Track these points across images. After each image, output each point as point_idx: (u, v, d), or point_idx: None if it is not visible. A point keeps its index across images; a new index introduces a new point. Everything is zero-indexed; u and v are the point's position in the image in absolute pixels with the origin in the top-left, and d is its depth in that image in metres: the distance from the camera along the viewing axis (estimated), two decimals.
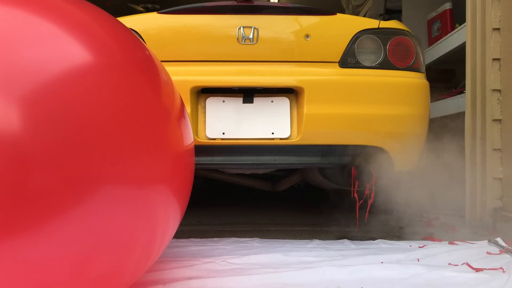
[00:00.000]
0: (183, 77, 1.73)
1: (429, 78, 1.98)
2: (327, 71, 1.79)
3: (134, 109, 0.85)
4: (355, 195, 1.94)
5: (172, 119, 1.00)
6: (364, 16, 4.74)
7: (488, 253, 1.48)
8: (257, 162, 1.74)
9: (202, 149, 1.71)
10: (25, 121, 0.67)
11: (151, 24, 1.80)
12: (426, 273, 1.25)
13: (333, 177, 2.12)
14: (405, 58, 1.85)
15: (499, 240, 1.61)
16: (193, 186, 3.09)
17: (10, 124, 0.66)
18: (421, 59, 1.91)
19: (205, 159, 1.73)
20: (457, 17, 2.80)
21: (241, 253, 1.51)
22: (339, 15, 1.87)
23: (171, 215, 1.02)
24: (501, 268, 1.29)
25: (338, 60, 1.81)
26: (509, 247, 1.51)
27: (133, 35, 1.01)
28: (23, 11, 0.77)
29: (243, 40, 1.77)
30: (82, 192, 0.73)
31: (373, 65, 1.82)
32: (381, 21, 1.88)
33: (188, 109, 1.69)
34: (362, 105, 1.75)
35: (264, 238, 1.79)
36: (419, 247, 1.58)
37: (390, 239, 1.75)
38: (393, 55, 1.83)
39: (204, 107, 1.74)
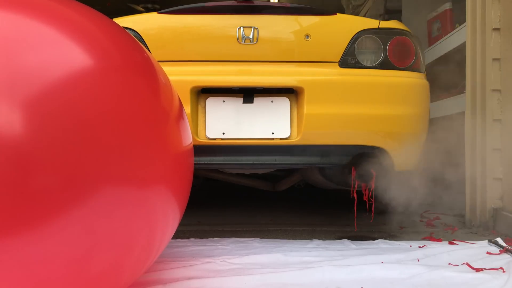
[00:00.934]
0: (183, 77, 1.73)
1: (429, 78, 1.98)
2: (327, 71, 1.79)
3: (134, 110, 0.86)
4: (355, 195, 1.94)
5: (171, 120, 1.01)
6: (364, 16, 4.74)
7: (488, 253, 1.48)
8: (257, 162, 1.73)
9: (202, 149, 1.71)
10: (27, 123, 0.69)
11: (151, 24, 1.80)
12: (426, 273, 1.25)
13: (333, 177, 2.12)
14: (405, 58, 1.85)
15: (499, 240, 1.61)
16: (193, 186, 3.10)
17: (13, 126, 0.68)
18: (421, 59, 1.91)
19: (205, 159, 1.73)
20: (457, 17, 2.80)
21: (241, 253, 1.51)
22: (339, 15, 1.87)
23: (170, 215, 1.02)
24: (501, 268, 1.29)
25: (338, 60, 1.81)
26: (509, 247, 1.51)
27: (132, 38, 1.02)
28: (24, 16, 0.79)
29: (243, 40, 1.77)
30: (82, 192, 0.74)
31: (373, 65, 1.82)
32: (381, 21, 1.88)
33: (188, 109, 1.69)
34: (362, 105, 1.74)
35: (264, 238, 1.79)
36: (419, 247, 1.58)
37: (390, 239, 1.75)
38: (393, 55, 1.83)
39: (204, 107, 1.74)
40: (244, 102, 1.75)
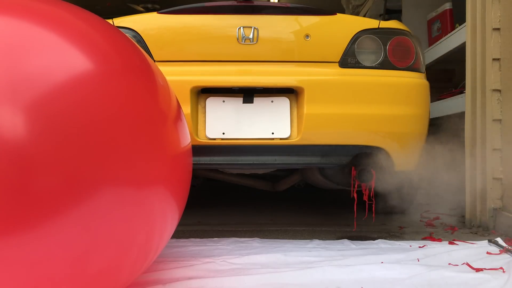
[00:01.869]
0: (183, 77, 1.73)
1: (429, 78, 1.98)
2: (327, 71, 1.79)
3: (132, 113, 0.88)
4: (355, 195, 1.94)
5: (169, 121, 1.02)
6: (364, 16, 4.74)
7: (488, 253, 1.48)
8: (257, 162, 1.74)
9: (202, 149, 1.71)
10: (29, 126, 0.71)
11: (151, 24, 1.80)
12: (426, 273, 1.25)
13: (333, 177, 2.12)
14: (405, 58, 1.85)
15: (499, 240, 1.61)
16: (193, 186, 3.09)
17: (16, 129, 0.70)
18: (421, 59, 1.91)
19: (205, 159, 1.73)
20: (457, 17, 2.80)
21: (241, 253, 1.51)
22: (339, 15, 1.87)
23: (169, 215, 1.03)
24: (501, 268, 1.29)
25: (338, 60, 1.81)
26: (509, 247, 1.51)
27: (130, 41, 1.04)
28: (26, 21, 0.81)
29: (243, 40, 1.77)
30: (82, 192, 0.76)
31: (373, 65, 1.82)
32: (381, 21, 1.88)
33: (188, 109, 1.69)
34: (362, 105, 1.75)
35: (264, 238, 1.79)
36: (419, 247, 1.58)
37: (390, 239, 1.75)
38: (393, 55, 1.83)
39: (204, 107, 1.74)
40: (244, 102, 1.75)
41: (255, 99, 1.76)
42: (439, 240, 1.73)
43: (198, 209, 2.63)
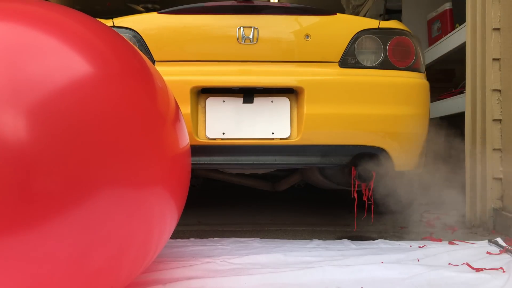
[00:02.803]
0: (183, 77, 1.73)
1: (429, 78, 1.98)
2: (327, 71, 1.79)
3: (131, 115, 0.89)
4: (355, 195, 1.94)
5: (168, 123, 1.04)
6: (364, 16, 4.74)
7: (488, 253, 1.48)
8: (257, 162, 1.73)
9: (202, 149, 1.71)
10: (31, 129, 0.73)
11: (151, 24, 1.80)
12: (426, 273, 1.25)
13: (333, 177, 2.12)
14: (405, 58, 1.85)
15: (499, 240, 1.61)
16: (193, 186, 3.09)
17: (18, 131, 0.72)
18: (421, 59, 1.91)
19: (205, 159, 1.73)
20: (457, 17, 2.80)
21: (241, 253, 1.51)
22: (339, 15, 1.87)
23: (168, 215, 1.05)
24: (501, 268, 1.29)
25: (338, 60, 1.81)
26: (509, 247, 1.51)
27: (129, 44, 1.05)
28: (27, 27, 0.83)
29: (243, 40, 1.77)
30: (81, 193, 0.77)
31: (373, 65, 1.82)
32: (381, 21, 1.88)
33: (188, 109, 1.69)
34: (362, 105, 1.75)
35: (264, 238, 1.79)
36: (419, 247, 1.58)
37: (390, 239, 1.75)
38: (393, 55, 1.83)
39: (204, 107, 1.74)
40: (244, 102, 1.75)
41: (255, 99, 1.76)
42: (439, 240, 1.73)
43: (198, 209, 2.63)
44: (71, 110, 0.78)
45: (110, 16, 1.87)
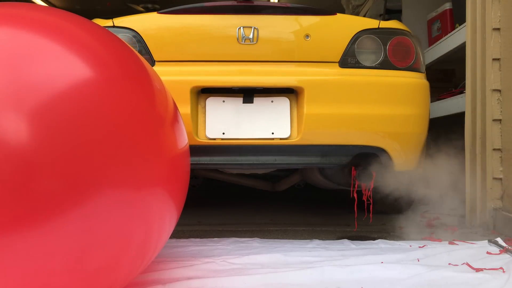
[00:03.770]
0: (183, 77, 1.73)
1: (429, 78, 1.98)
2: (327, 71, 1.79)
3: (131, 117, 0.91)
4: (355, 195, 1.94)
5: (166, 124, 1.06)
6: (364, 16, 4.74)
7: (488, 253, 1.48)
8: (257, 162, 1.73)
9: (202, 149, 1.71)
10: (33, 132, 0.75)
11: (151, 24, 1.80)
12: (426, 273, 1.25)
13: (333, 177, 2.12)
14: (405, 58, 1.85)
15: (499, 240, 1.61)
16: (193, 186, 3.09)
17: (20, 135, 0.74)
18: (421, 59, 1.91)
19: (205, 159, 1.73)
20: (457, 17, 2.80)
21: (241, 253, 1.51)
22: (339, 15, 1.87)
23: (167, 215, 1.06)
24: (501, 268, 1.29)
25: (338, 60, 1.81)
26: (509, 247, 1.51)
27: (128, 48, 1.07)
28: (29, 33, 0.85)
29: (243, 40, 1.77)
30: (82, 194, 0.79)
31: (373, 65, 1.82)
32: (381, 21, 1.88)
33: (188, 109, 1.69)
34: (362, 105, 1.75)
35: (264, 238, 1.79)
36: (419, 247, 1.58)
37: (390, 239, 1.75)
38: (393, 55, 1.83)
39: (204, 107, 1.74)
40: (244, 102, 1.75)
41: (255, 99, 1.76)
42: (439, 240, 1.73)
43: (198, 209, 2.63)
44: (71, 113, 0.80)
45: (110, 16, 1.87)
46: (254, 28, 1.78)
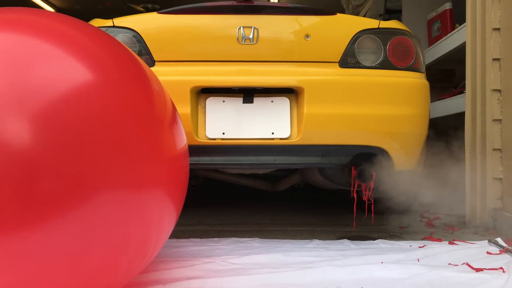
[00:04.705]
0: (183, 77, 1.73)
1: (429, 78, 1.98)
2: (327, 71, 1.79)
3: (130, 119, 0.92)
4: (355, 195, 1.94)
5: (165, 125, 1.07)
6: (364, 16, 4.74)
7: (488, 253, 1.48)
8: (257, 162, 1.73)
9: (202, 149, 1.71)
10: (34, 134, 0.77)
11: (151, 24, 1.80)
12: (426, 273, 1.25)
13: (333, 177, 2.12)
14: (405, 58, 1.85)
15: (499, 240, 1.61)
16: (193, 186, 3.09)
17: (22, 137, 0.76)
18: (421, 59, 1.91)
19: (205, 159, 1.73)
20: (457, 17, 2.80)
21: (241, 253, 1.51)
22: (339, 15, 1.87)
23: (166, 216, 1.06)
24: (501, 268, 1.29)
25: (338, 60, 1.81)
26: (509, 247, 1.51)
27: (126, 49, 1.08)
28: (30, 37, 0.87)
29: (243, 40, 1.77)
30: (82, 194, 0.80)
31: (373, 65, 1.82)
32: (381, 21, 1.88)
33: (188, 109, 1.69)
34: (362, 105, 1.74)
35: (264, 238, 1.79)
36: (419, 247, 1.58)
37: (390, 239, 1.75)
38: (393, 55, 1.83)
39: (204, 107, 1.74)
40: (244, 102, 1.75)
41: (255, 99, 1.76)
42: (439, 240, 1.73)
43: (198, 209, 2.63)
44: (71, 115, 0.81)
45: (110, 16, 1.87)
46: (254, 28, 1.78)
